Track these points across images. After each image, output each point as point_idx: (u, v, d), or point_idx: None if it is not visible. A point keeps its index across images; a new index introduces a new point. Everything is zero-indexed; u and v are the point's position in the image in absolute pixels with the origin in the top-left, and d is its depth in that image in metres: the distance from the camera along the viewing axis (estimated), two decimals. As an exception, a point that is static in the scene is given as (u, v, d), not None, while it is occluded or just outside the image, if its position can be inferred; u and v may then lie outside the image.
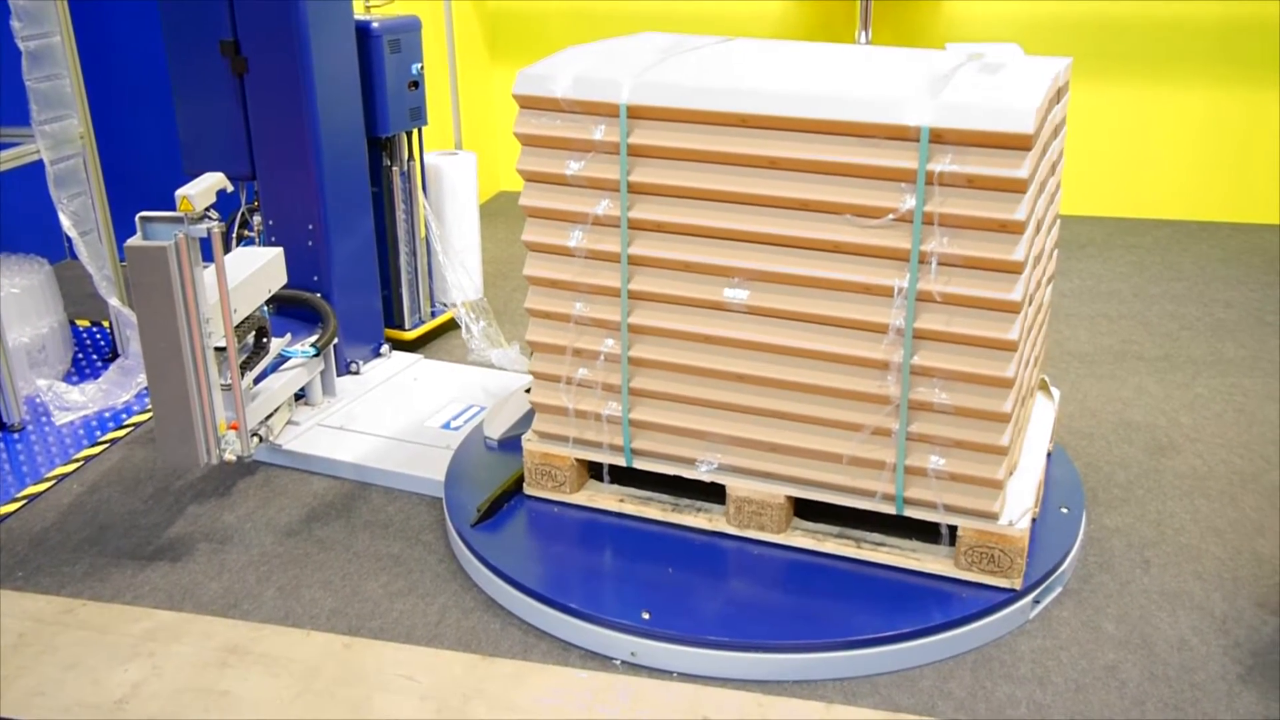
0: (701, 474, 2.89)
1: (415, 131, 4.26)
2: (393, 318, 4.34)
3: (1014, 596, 2.66)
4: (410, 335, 4.38)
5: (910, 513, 2.73)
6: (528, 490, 3.09)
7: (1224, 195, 6.18)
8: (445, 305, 4.50)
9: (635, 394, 2.88)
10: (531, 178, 2.82)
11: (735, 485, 2.85)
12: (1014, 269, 2.45)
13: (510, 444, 3.34)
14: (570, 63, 2.76)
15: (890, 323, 2.56)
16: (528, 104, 2.74)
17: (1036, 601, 2.73)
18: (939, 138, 2.41)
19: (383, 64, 3.97)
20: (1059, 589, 2.81)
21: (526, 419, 3.33)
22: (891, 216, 2.49)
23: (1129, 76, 6.06)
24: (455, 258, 4.49)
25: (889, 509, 2.74)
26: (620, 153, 2.68)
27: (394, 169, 4.19)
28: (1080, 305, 4.89)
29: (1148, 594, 2.82)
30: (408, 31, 4.08)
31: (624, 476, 3.06)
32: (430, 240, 4.37)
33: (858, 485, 2.74)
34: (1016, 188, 2.39)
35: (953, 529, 2.72)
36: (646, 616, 2.58)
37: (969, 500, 2.66)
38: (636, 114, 2.65)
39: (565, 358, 2.92)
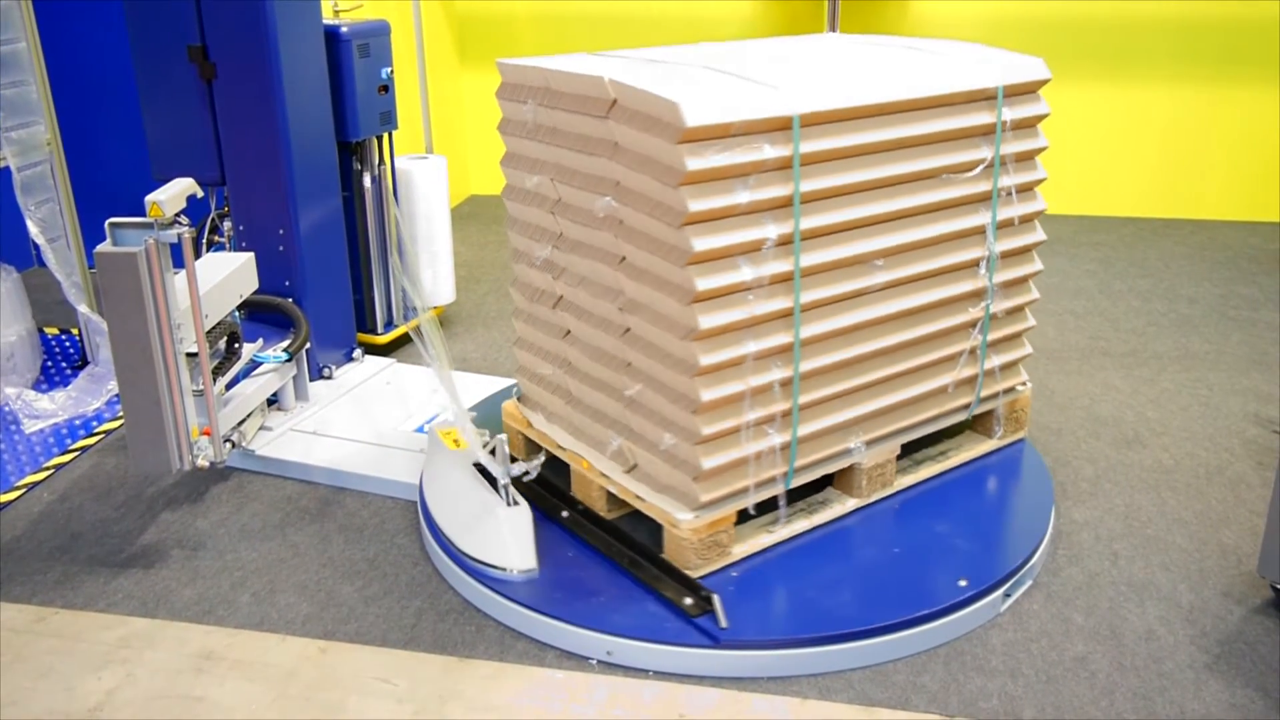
0: (856, 459, 2.98)
1: (385, 136, 4.25)
2: (365, 322, 4.34)
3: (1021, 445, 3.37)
4: (383, 339, 4.38)
5: (980, 410, 3.27)
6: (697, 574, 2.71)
7: (1188, 193, 6.26)
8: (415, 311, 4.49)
9: (803, 409, 2.80)
10: (703, 218, 2.48)
11: (869, 457, 2.99)
12: (1040, 184, 3.14)
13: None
14: (690, 88, 2.48)
15: (984, 254, 3.05)
16: (699, 136, 2.42)
17: (1007, 595, 2.76)
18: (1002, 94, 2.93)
19: (352, 68, 3.96)
20: (1029, 582, 2.85)
21: (530, 524, 2.88)
22: (982, 166, 2.95)
23: (1092, 76, 6.13)
24: (426, 261, 4.49)
25: (964, 416, 3.24)
26: (794, 165, 2.56)
27: (364, 173, 4.19)
28: (1048, 302, 4.94)
29: (1116, 586, 2.86)
30: (377, 35, 4.07)
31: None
32: (401, 244, 4.36)
33: (957, 405, 3.19)
34: (1040, 121, 3.07)
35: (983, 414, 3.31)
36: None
37: (1012, 380, 3.31)
38: (806, 122, 2.56)
39: (742, 404, 2.66)
